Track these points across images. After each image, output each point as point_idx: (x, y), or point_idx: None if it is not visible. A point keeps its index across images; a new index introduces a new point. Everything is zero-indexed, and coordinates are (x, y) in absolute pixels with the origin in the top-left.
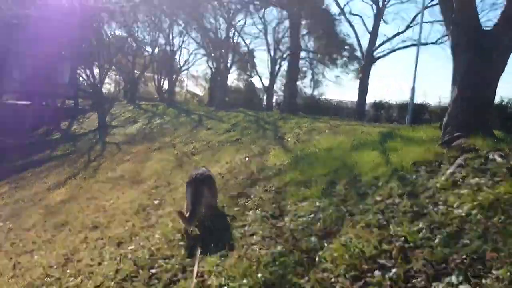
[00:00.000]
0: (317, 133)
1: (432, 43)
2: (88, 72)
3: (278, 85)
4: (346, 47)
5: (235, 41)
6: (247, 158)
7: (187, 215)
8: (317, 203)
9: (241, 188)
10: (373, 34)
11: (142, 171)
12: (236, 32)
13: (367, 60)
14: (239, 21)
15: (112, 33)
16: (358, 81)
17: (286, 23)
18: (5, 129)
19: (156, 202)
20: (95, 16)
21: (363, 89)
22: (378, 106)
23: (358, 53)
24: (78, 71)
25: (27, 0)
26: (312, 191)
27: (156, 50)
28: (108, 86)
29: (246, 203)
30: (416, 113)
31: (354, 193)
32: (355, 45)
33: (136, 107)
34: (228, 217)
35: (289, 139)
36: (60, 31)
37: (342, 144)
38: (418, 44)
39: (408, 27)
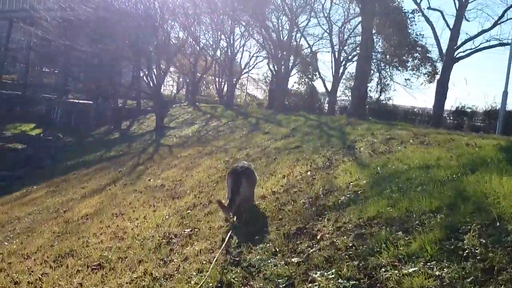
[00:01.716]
0: (398, 143)
1: None
2: (147, 73)
3: (342, 88)
4: (418, 48)
5: (297, 42)
6: (309, 172)
7: (227, 203)
8: (436, 271)
9: (302, 220)
10: (454, 31)
11: (185, 181)
12: (299, 32)
13: (447, 61)
14: (302, 21)
15: (175, 35)
16: (429, 85)
17: (352, 22)
18: (68, 127)
19: (186, 231)
20: (158, 17)
21: (441, 93)
22: (460, 112)
23: (432, 55)
24: (141, 72)
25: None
26: (420, 242)
27: (218, 52)
28: (171, 88)
29: (310, 250)
30: (507, 121)
31: (502, 256)
32: (429, 45)
33: (195, 108)
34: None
35: (361, 149)
36: (123, 31)
37: (443, 161)
38: None
39: (496, 24)
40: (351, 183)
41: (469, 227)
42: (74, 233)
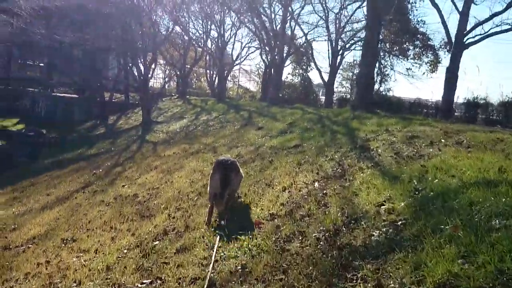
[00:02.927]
0: (427, 143)
1: None
2: (134, 64)
3: (338, 79)
4: (419, 36)
5: (292, 30)
6: (316, 183)
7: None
8: None
9: (320, 278)
10: (463, 15)
11: (163, 189)
12: (293, 20)
13: (456, 48)
14: (296, 8)
15: (165, 25)
16: (431, 75)
17: (350, 9)
18: (52, 122)
19: (144, 284)
20: (143, 4)
21: (451, 83)
22: (472, 104)
23: (433, 43)
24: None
25: None
26: None
27: (208, 43)
28: (161, 81)
29: None
30: None
31: None
32: (430, 33)
33: (185, 102)
34: None
35: (379, 150)
36: (111, 23)
37: (510, 174)
38: None
39: (509, 6)
40: (382, 207)
41: None
42: (5, 270)
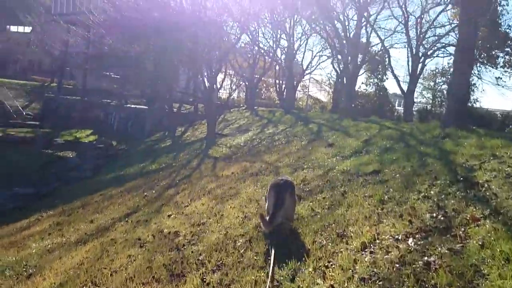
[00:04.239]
0: None
1: None
2: (199, 75)
3: (418, 89)
4: (509, 42)
5: (368, 35)
6: (411, 241)
7: (267, 218)
8: None
9: None
10: None
11: (210, 226)
12: (369, 25)
13: None
14: (372, 14)
15: (236, 37)
16: None
17: (432, 12)
18: (124, 134)
19: None
20: (217, 17)
21: None
22: None
23: None
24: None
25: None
26: None
27: (278, 52)
28: (230, 91)
29: None
30: None
31: None
32: None
33: (253, 113)
34: None
35: (491, 186)
36: (180, 33)
37: None
38: None
39: None
40: None
41: None
42: None
